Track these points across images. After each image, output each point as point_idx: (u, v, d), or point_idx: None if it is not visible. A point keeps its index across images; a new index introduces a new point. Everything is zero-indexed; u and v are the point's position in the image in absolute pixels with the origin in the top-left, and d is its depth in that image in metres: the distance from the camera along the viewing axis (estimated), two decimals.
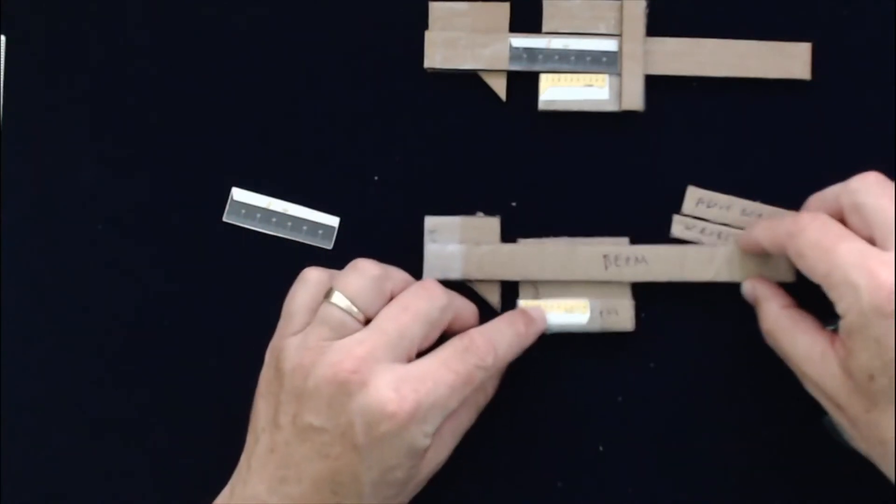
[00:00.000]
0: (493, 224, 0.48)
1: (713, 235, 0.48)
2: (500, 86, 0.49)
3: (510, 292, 0.48)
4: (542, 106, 0.49)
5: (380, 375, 0.41)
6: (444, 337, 0.44)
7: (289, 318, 0.44)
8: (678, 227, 0.48)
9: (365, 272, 0.44)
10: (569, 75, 0.48)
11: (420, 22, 0.49)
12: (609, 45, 0.48)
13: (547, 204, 0.49)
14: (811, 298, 0.44)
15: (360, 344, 0.42)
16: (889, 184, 0.42)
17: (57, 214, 0.50)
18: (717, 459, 0.48)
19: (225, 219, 0.50)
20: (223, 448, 0.45)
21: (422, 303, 0.43)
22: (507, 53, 0.49)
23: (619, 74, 0.48)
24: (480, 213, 0.49)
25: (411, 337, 0.43)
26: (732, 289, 0.47)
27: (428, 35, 0.49)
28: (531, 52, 0.49)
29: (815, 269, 0.41)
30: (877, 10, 0.49)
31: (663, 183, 0.49)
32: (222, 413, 0.48)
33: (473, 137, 0.50)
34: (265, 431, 0.43)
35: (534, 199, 0.49)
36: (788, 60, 0.48)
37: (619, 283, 0.47)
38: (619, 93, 0.48)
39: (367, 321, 0.43)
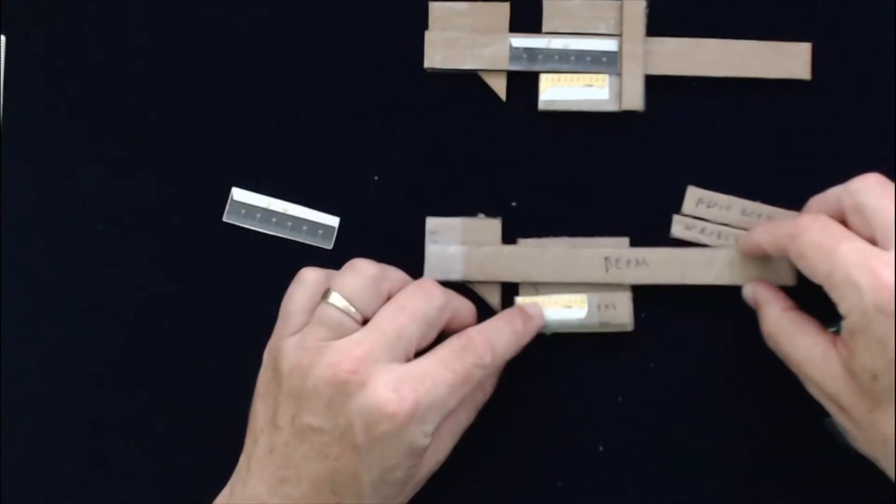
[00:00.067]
0: (494, 225, 0.48)
1: (713, 235, 0.48)
2: (500, 86, 0.49)
3: (510, 293, 0.48)
4: (542, 106, 0.49)
5: (378, 376, 0.41)
6: (442, 336, 0.44)
7: (286, 319, 0.44)
8: (678, 227, 0.48)
9: (362, 272, 0.44)
10: (569, 75, 0.48)
11: (420, 22, 0.49)
12: (609, 45, 0.48)
13: (547, 204, 0.49)
14: (812, 302, 0.44)
15: (359, 344, 0.42)
16: (890, 184, 0.42)
17: (57, 214, 0.50)
18: (717, 459, 0.48)
19: (225, 219, 0.50)
20: (223, 448, 0.45)
21: (419, 302, 0.43)
22: (507, 53, 0.49)
23: (619, 74, 0.48)
24: (482, 215, 0.49)
25: (409, 337, 0.43)
26: (732, 289, 0.47)
27: (428, 35, 0.49)
28: (531, 52, 0.49)
29: (816, 270, 0.41)
30: (877, 10, 0.49)
31: (663, 183, 0.49)
32: (222, 413, 0.48)
33: (473, 137, 0.50)
34: (264, 432, 0.43)
35: (534, 199, 0.49)
36: (788, 60, 0.48)
37: (619, 286, 0.47)
38: (619, 93, 0.48)
39: (365, 321, 0.43)
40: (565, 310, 0.47)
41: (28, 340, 0.50)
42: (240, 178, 0.50)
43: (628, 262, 0.47)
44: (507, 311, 0.46)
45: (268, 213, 0.50)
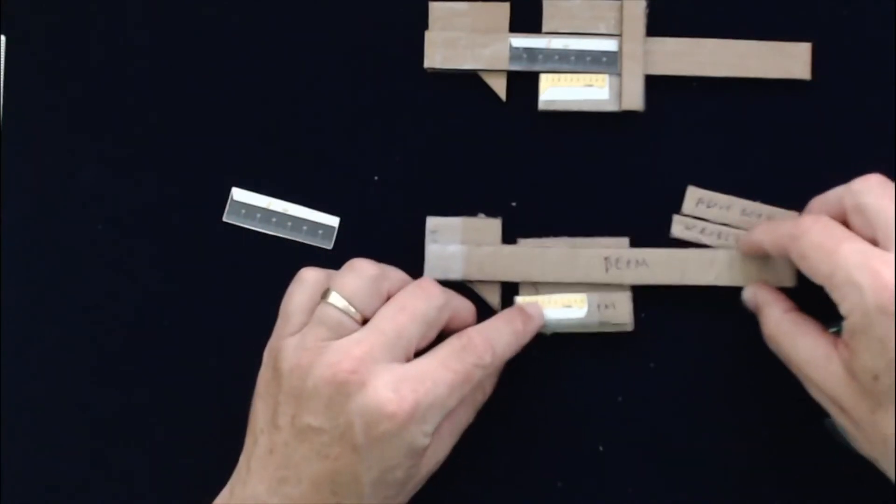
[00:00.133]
0: (494, 225, 0.48)
1: (713, 235, 0.48)
2: (500, 86, 0.49)
3: (510, 293, 0.48)
4: (542, 106, 0.49)
5: (378, 376, 0.41)
6: (442, 336, 0.44)
7: (286, 319, 0.44)
8: (678, 227, 0.48)
9: (362, 272, 0.44)
10: (569, 75, 0.48)
11: (420, 22, 0.49)
12: (609, 45, 0.48)
13: (547, 204, 0.49)
14: (812, 303, 0.44)
15: (358, 344, 0.42)
16: (891, 185, 0.42)
17: (57, 214, 0.50)
18: (717, 459, 0.48)
19: (225, 219, 0.50)
20: (223, 448, 0.45)
21: (419, 302, 0.43)
22: (507, 53, 0.49)
23: (619, 74, 0.48)
24: (482, 215, 0.49)
25: (409, 336, 0.43)
26: (732, 289, 0.47)
27: (428, 35, 0.49)
28: (531, 52, 0.49)
29: (817, 271, 0.41)
30: (877, 10, 0.49)
31: (663, 183, 0.49)
32: (222, 413, 0.48)
33: (473, 137, 0.50)
34: (264, 432, 0.43)
35: (534, 199, 0.49)
36: (788, 60, 0.48)
37: (619, 286, 0.47)
38: (619, 93, 0.48)
39: (365, 321, 0.43)
40: (565, 309, 0.47)
41: (28, 340, 0.50)
42: (240, 178, 0.50)
43: (628, 262, 0.47)
44: (507, 311, 0.46)
45: (268, 213, 0.50)
